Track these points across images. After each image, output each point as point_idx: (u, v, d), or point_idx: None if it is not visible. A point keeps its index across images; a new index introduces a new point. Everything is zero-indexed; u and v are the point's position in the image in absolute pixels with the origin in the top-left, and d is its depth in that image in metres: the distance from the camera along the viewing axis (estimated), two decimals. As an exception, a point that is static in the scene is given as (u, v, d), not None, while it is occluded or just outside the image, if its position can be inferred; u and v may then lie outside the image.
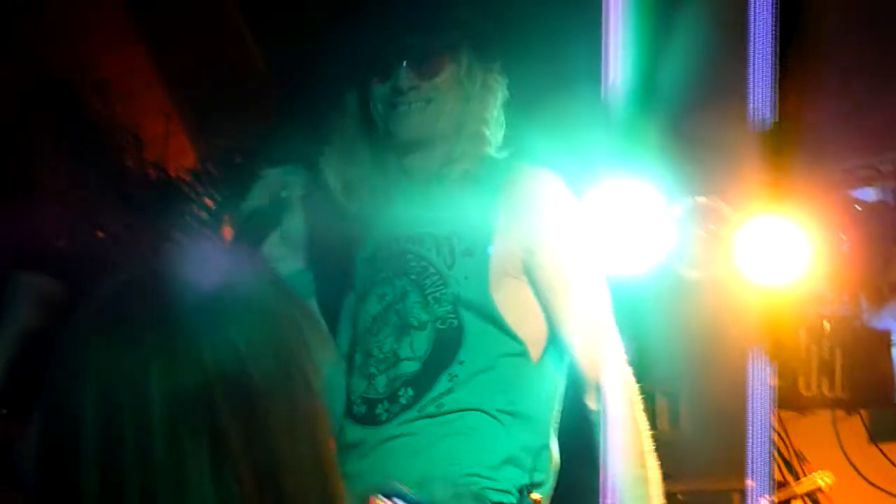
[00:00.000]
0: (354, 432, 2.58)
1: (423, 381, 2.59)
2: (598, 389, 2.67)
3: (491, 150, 2.67)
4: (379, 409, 2.59)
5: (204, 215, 6.48)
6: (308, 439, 1.25)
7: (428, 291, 2.58)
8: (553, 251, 2.64)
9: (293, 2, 6.10)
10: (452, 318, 2.54)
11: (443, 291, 2.56)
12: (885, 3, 4.53)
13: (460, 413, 2.55)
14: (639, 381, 4.19)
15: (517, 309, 2.65)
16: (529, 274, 2.63)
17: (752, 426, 3.78)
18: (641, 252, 4.04)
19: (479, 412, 2.53)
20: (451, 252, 2.58)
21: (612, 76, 3.80)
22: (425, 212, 2.68)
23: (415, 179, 2.68)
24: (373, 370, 2.60)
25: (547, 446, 2.59)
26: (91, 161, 6.38)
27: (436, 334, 2.54)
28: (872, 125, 4.54)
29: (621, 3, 3.65)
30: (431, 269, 2.58)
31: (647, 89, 3.96)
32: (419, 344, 2.56)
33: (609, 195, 4.03)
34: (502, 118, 2.73)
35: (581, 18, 4.01)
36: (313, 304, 2.75)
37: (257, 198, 2.69)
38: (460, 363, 2.55)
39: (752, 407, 3.87)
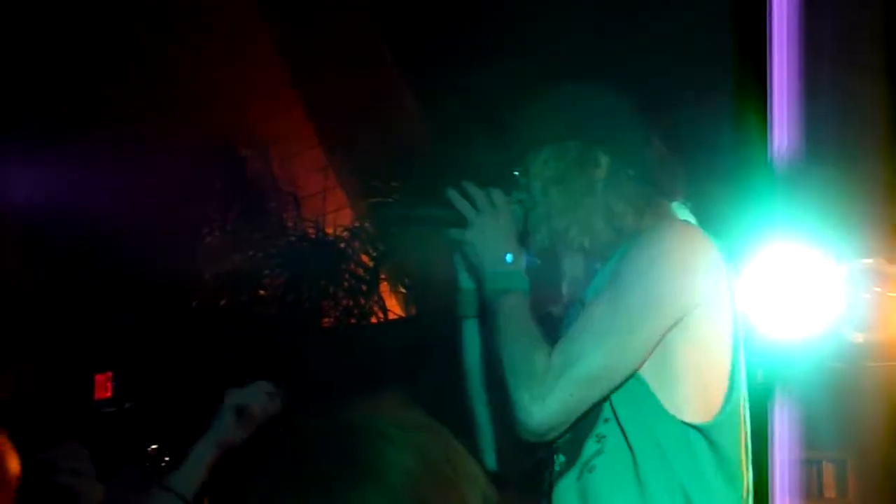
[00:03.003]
0: None
1: (573, 447, 2.54)
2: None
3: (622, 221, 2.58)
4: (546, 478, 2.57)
5: (361, 272, 6.59)
6: None
7: None
8: None
9: (454, 64, 6.18)
10: None
11: None
12: None
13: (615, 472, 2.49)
14: (806, 448, 4.11)
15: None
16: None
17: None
18: (809, 316, 3.97)
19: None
20: None
21: (778, 139, 3.77)
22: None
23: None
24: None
25: None
26: (253, 221, 6.54)
27: None
28: None
29: (787, 67, 3.63)
30: None
31: (813, 151, 3.91)
32: None
33: (775, 257, 3.97)
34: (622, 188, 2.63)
35: (748, 82, 3.99)
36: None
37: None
38: (605, 421, 2.42)
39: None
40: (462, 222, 2.58)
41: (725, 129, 4.30)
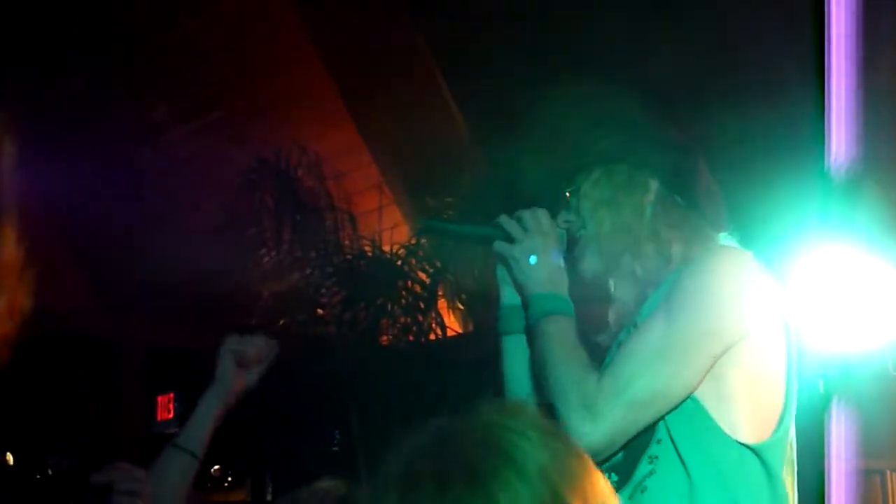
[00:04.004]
0: None
1: (625, 466, 2.53)
2: None
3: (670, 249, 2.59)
4: None
5: (418, 289, 6.58)
6: None
7: None
8: None
9: (504, 84, 6.18)
10: None
11: None
12: None
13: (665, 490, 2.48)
14: (867, 458, 4.05)
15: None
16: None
17: None
18: (871, 325, 3.90)
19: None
20: None
21: (836, 144, 3.72)
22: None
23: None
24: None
25: None
26: (309, 239, 6.55)
27: None
28: None
29: (845, 70, 3.58)
30: None
31: (873, 157, 3.86)
32: None
33: (837, 266, 3.91)
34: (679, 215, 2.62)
35: (805, 86, 3.94)
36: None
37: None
38: (658, 441, 2.44)
39: None
40: (508, 239, 2.59)
41: (782, 134, 4.25)
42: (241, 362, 2.82)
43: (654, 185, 2.57)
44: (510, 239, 2.58)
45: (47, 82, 7.90)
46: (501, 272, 2.68)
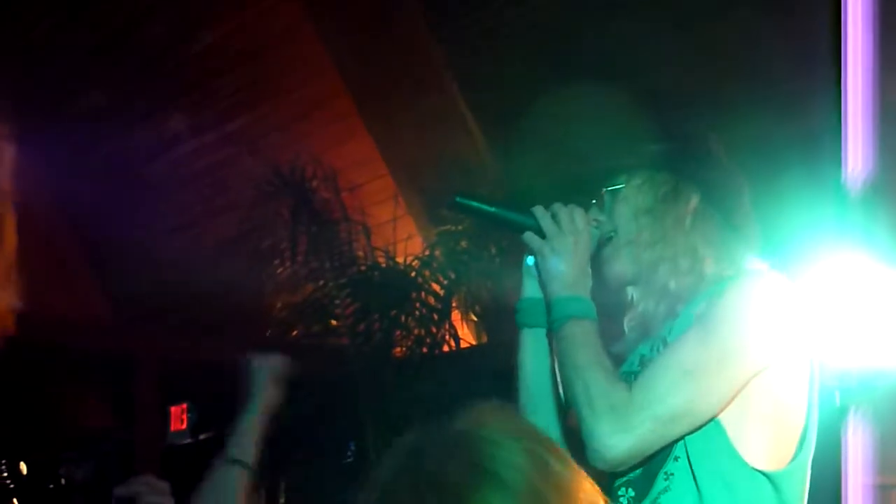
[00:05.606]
0: None
1: (643, 482, 2.52)
2: None
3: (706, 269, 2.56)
4: None
5: (432, 301, 6.57)
6: None
7: None
8: None
9: (520, 94, 6.17)
10: None
11: None
12: None
13: None
14: (883, 473, 4.03)
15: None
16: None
17: None
18: (888, 339, 3.88)
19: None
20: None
21: (853, 159, 3.70)
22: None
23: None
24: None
25: None
26: (324, 250, 6.54)
27: None
28: None
29: (861, 85, 3.57)
30: None
31: (889, 168, 3.84)
32: None
33: (858, 280, 3.89)
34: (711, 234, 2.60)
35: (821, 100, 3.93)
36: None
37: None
38: (675, 459, 2.42)
39: None
40: (540, 233, 2.56)
41: (799, 148, 4.23)
42: (274, 378, 2.89)
43: (695, 199, 2.55)
44: (542, 234, 2.55)
45: (65, 94, 7.92)
46: (530, 262, 2.65)
